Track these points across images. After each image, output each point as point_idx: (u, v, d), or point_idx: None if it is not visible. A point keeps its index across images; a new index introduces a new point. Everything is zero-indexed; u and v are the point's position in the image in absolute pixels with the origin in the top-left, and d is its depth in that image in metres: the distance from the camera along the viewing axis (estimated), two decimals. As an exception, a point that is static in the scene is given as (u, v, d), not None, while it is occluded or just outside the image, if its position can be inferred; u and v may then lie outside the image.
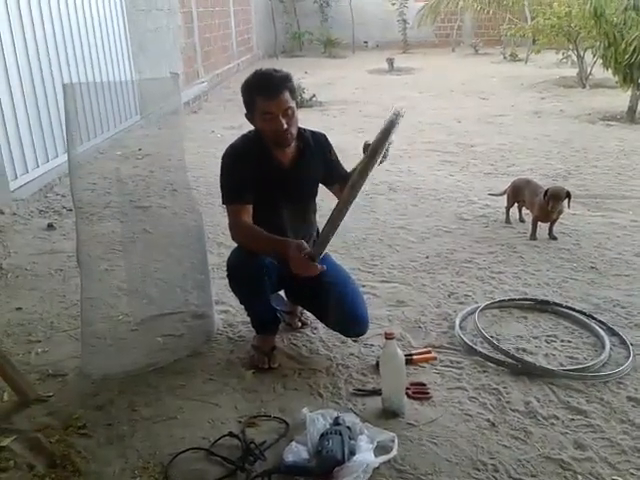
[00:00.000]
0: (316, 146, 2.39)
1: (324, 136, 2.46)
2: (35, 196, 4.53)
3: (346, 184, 2.23)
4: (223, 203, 2.32)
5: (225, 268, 2.34)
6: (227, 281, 2.37)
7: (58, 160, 5.12)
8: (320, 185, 2.49)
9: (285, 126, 2.18)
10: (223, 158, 2.30)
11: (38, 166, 4.88)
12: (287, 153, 2.32)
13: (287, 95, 2.19)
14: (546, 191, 3.43)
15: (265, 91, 2.17)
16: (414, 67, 12.12)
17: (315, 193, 2.49)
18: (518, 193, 3.76)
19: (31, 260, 3.46)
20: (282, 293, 2.64)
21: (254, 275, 2.22)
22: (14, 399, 2.18)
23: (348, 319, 2.35)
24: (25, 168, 4.69)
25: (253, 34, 14.46)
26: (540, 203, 3.47)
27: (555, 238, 3.54)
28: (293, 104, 2.21)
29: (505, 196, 3.87)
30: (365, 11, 15.90)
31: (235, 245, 2.33)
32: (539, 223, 3.58)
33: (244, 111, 2.29)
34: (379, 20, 16.04)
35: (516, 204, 3.83)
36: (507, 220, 3.83)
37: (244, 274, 2.24)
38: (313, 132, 2.41)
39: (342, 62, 13.83)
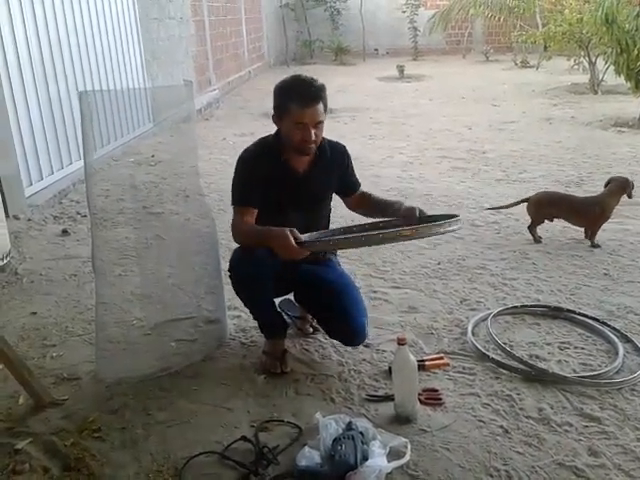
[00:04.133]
0: (332, 156, 2.39)
1: (343, 147, 2.47)
2: (50, 202, 4.59)
3: (359, 196, 2.44)
4: (232, 204, 2.34)
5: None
6: (232, 286, 2.38)
7: (72, 167, 5.18)
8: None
9: (313, 138, 2.19)
10: (238, 161, 2.33)
11: (53, 173, 4.94)
12: (303, 160, 2.33)
13: (321, 108, 2.19)
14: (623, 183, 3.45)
15: (301, 100, 2.15)
16: (425, 74, 12.14)
17: (326, 202, 2.49)
18: (550, 209, 3.58)
19: (46, 265, 3.49)
20: (292, 297, 2.64)
21: (254, 275, 2.23)
22: (29, 402, 2.20)
23: (344, 329, 2.34)
24: (40, 175, 4.75)
25: (264, 42, 14.56)
26: (603, 208, 3.46)
27: (599, 246, 3.50)
28: (324, 117, 2.22)
29: (527, 212, 3.65)
30: (376, 19, 15.97)
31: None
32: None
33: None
34: (390, 27, 16.10)
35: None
36: (537, 239, 3.60)
37: (244, 274, 2.25)
38: (332, 142, 2.42)
39: (353, 69, 13.88)
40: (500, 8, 12.06)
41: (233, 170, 2.34)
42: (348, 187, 2.50)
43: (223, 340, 2.61)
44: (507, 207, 3.79)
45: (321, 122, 2.20)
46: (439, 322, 2.72)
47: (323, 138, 2.34)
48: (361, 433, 1.88)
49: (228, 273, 2.35)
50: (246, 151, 2.33)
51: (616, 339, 2.49)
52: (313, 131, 2.18)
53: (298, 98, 2.16)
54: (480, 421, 2.06)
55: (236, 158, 2.36)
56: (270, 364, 2.37)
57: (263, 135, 2.39)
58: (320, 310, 2.43)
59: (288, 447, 1.93)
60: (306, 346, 2.55)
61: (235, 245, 2.34)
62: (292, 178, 2.32)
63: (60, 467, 1.89)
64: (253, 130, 6.67)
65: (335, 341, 2.55)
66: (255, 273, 2.23)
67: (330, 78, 11.71)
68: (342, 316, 2.30)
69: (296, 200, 2.34)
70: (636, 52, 6.47)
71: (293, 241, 2.04)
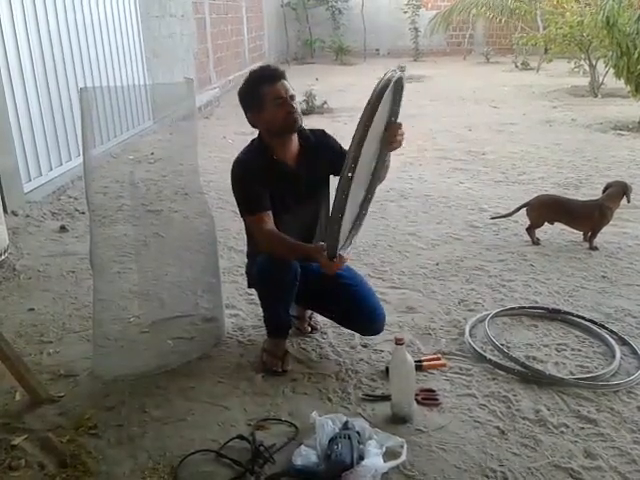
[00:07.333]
0: (317, 142, 2.41)
1: (322, 131, 2.49)
2: (48, 199, 4.58)
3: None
4: (242, 216, 2.34)
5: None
6: (255, 284, 2.39)
7: (71, 163, 5.17)
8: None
9: (295, 107, 2.26)
10: (233, 172, 2.32)
11: (52, 169, 4.93)
12: (291, 153, 2.35)
13: (287, 83, 2.29)
14: (623, 188, 3.47)
15: (270, 78, 2.27)
16: (425, 75, 12.14)
17: (326, 190, 2.49)
18: (550, 213, 3.60)
19: (44, 262, 3.49)
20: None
21: (288, 280, 2.25)
22: (26, 399, 2.20)
23: (367, 318, 2.40)
24: (39, 171, 4.74)
25: (265, 41, 14.55)
26: (604, 212, 3.46)
27: (597, 248, 3.51)
28: (294, 92, 2.31)
29: (527, 216, 3.65)
30: (377, 19, 15.96)
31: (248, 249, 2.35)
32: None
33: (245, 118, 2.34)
34: (391, 28, 16.10)
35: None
36: (535, 241, 3.59)
37: (278, 279, 2.25)
38: (312, 130, 2.45)
39: (353, 69, 13.88)
40: (501, 10, 12.07)
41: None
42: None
43: (220, 338, 2.61)
44: (511, 214, 3.75)
45: (294, 95, 2.29)
46: (437, 323, 2.72)
47: (304, 128, 2.37)
48: (357, 433, 1.88)
49: (258, 276, 2.32)
50: (239, 160, 2.34)
51: (613, 342, 2.49)
52: (292, 102, 2.26)
53: (265, 79, 2.27)
54: (476, 422, 2.06)
55: (235, 156, 2.36)
56: (271, 362, 2.37)
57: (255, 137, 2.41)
58: (337, 306, 2.44)
59: (284, 446, 1.93)
60: (304, 345, 2.55)
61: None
62: (287, 173, 2.33)
63: (56, 463, 1.89)
64: (252, 129, 6.65)
65: (333, 341, 2.55)
66: (291, 280, 2.25)
67: (330, 77, 11.74)
68: (362, 304, 2.38)
69: (297, 193, 2.35)
70: (636, 55, 6.46)
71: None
